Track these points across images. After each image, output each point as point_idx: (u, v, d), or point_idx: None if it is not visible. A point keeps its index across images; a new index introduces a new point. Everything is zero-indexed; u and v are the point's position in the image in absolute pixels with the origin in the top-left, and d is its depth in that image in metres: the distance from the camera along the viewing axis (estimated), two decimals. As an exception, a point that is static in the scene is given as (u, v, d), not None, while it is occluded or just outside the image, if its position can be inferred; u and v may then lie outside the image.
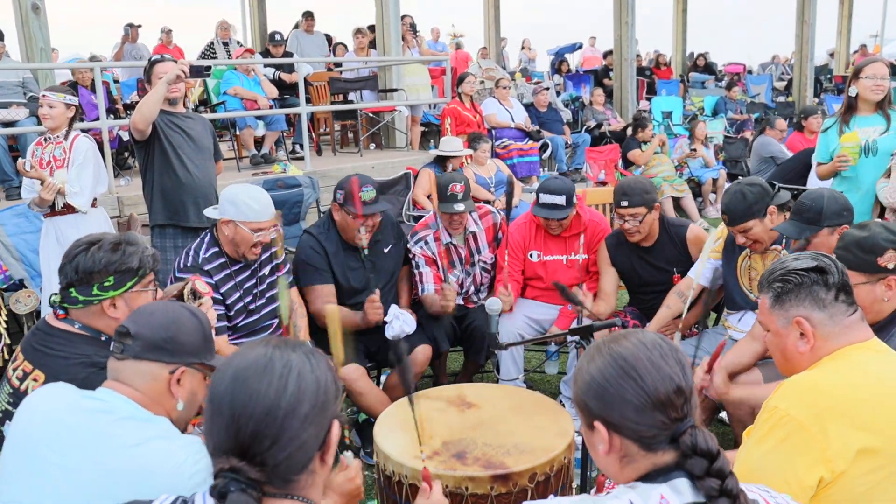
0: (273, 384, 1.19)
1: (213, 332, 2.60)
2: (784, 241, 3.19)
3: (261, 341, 1.28)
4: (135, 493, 1.35)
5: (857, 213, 3.53)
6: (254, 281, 3.33)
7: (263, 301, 3.37)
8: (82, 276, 1.99)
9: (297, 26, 10.29)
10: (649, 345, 1.30)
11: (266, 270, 3.38)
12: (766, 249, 3.21)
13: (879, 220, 3.59)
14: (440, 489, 1.77)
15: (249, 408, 1.17)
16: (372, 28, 9.09)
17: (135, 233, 2.16)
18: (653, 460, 1.27)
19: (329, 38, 10.87)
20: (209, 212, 3.33)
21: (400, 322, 3.48)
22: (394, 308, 3.57)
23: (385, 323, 3.52)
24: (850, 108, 4.04)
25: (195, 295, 2.32)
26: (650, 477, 1.27)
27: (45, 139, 4.25)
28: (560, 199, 3.72)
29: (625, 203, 3.51)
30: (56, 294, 2.05)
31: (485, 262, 4.03)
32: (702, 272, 3.43)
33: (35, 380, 1.96)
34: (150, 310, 1.72)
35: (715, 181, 9.00)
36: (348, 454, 1.83)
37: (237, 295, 3.25)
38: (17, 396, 1.93)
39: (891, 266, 2.19)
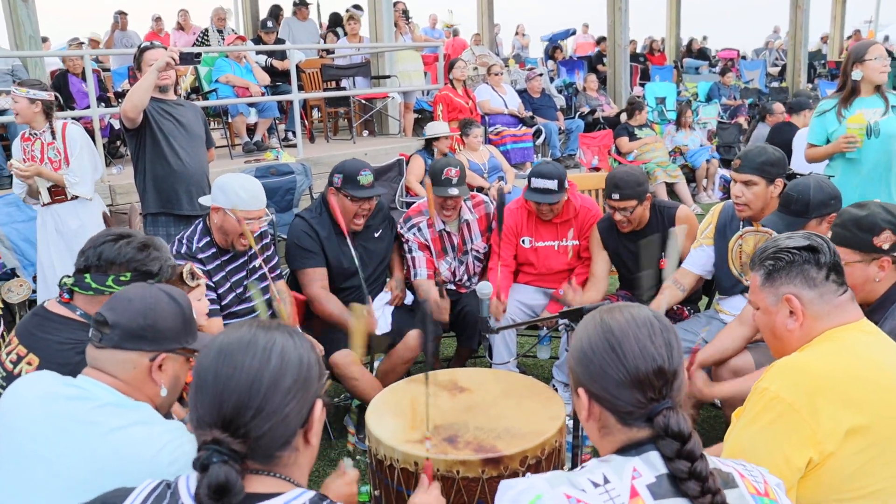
0: (257, 357, 1.21)
1: (206, 317, 2.61)
2: None
3: (245, 322, 1.30)
4: (119, 481, 1.33)
5: (859, 196, 3.56)
6: (244, 273, 3.33)
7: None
8: (102, 264, 2.00)
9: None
10: (640, 321, 1.30)
11: (257, 263, 3.37)
12: (752, 219, 3.20)
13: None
14: (438, 488, 1.79)
15: (233, 380, 1.19)
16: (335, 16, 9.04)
17: (161, 240, 2.17)
18: (629, 434, 1.29)
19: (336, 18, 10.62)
20: (204, 200, 3.33)
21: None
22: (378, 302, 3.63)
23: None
24: (854, 91, 4.01)
25: (193, 276, 2.31)
26: (625, 450, 1.28)
27: (31, 134, 4.20)
28: (552, 184, 3.71)
29: (616, 196, 3.51)
30: (69, 276, 2.05)
31: (477, 251, 4.02)
32: (694, 260, 3.42)
33: (29, 363, 1.96)
34: (127, 296, 1.68)
35: (707, 168, 9.01)
36: (347, 461, 1.86)
37: (227, 285, 3.26)
38: (11, 380, 1.91)
39: (886, 247, 2.17)
